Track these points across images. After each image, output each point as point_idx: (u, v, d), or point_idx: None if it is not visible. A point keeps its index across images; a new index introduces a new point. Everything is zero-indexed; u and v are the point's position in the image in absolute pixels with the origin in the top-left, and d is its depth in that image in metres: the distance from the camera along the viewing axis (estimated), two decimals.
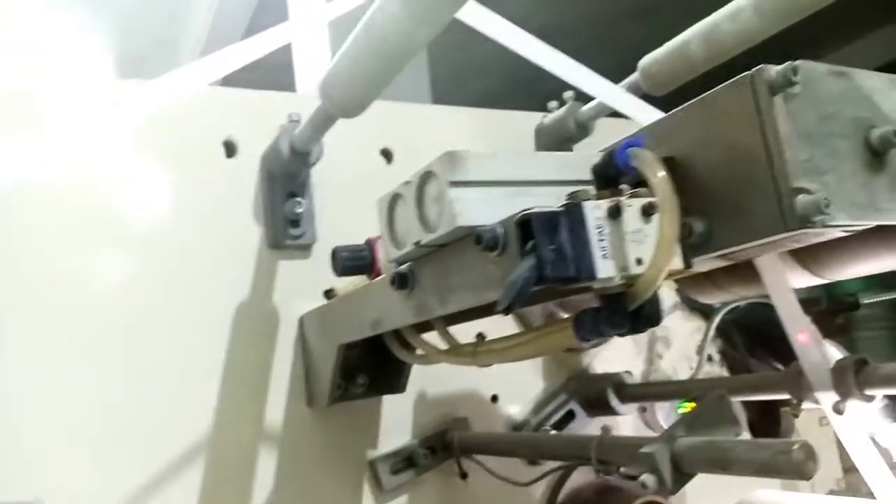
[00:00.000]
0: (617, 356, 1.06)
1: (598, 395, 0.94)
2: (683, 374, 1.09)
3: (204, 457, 0.77)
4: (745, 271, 0.70)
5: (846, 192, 0.48)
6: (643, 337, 1.09)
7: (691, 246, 0.53)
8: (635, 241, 0.41)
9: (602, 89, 0.86)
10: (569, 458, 0.65)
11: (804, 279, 0.68)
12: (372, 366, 0.82)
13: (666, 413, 1.00)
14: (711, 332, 1.00)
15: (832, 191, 0.47)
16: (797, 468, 0.45)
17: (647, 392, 0.91)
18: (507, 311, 0.39)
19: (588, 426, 0.98)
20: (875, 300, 1.16)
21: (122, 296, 0.77)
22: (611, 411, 0.94)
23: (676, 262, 0.43)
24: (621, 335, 0.43)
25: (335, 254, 0.73)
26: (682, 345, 1.10)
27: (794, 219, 0.46)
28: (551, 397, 0.97)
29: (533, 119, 1.09)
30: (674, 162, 0.55)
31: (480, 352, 0.56)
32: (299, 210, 0.83)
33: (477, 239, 0.44)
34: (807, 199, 0.46)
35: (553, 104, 1.07)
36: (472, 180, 0.46)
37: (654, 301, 0.42)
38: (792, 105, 0.48)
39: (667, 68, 0.85)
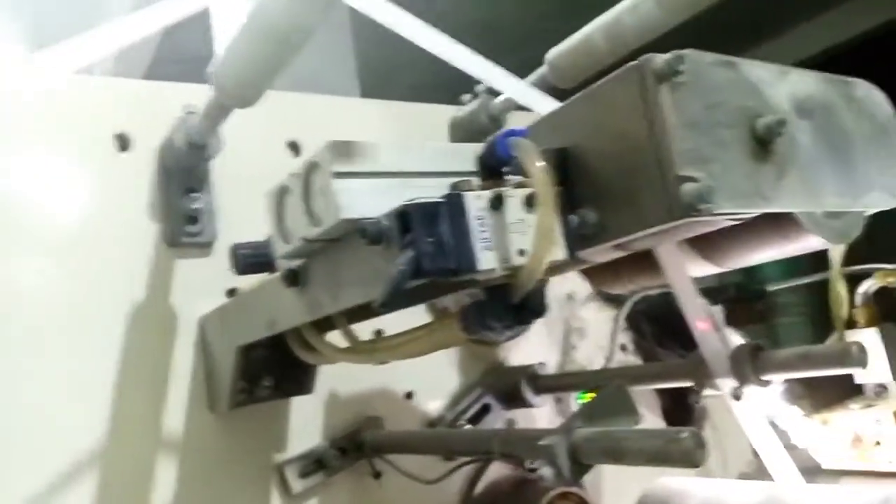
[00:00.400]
0: (533, 348, 1.07)
1: (512, 387, 0.94)
2: (599, 364, 1.10)
3: (98, 466, 0.73)
4: (647, 261, 0.71)
5: (731, 181, 0.48)
6: (558, 328, 1.10)
7: (583, 237, 0.53)
8: (518, 232, 0.40)
9: (506, 83, 0.86)
10: (474, 453, 0.64)
11: (704, 268, 0.69)
12: (278, 367, 0.79)
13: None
14: (621, 323, 1.01)
15: (717, 179, 0.47)
16: (687, 456, 0.46)
17: (560, 383, 0.91)
18: (384, 308, 0.38)
19: (505, 419, 0.98)
20: (783, 287, 1.20)
21: (6, 297, 0.72)
22: (526, 403, 0.94)
23: (558, 253, 0.43)
24: (508, 328, 0.42)
25: (234, 251, 0.70)
26: (597, 335, 1.11)
27: (680, 207, 0.46)
28: (467, 392, 0.96)
29: (448, 112, 1.08)
30: (567, 153, 0.55)
31: (378, 349, 0.54)
32: (197, 206, 0.80)
33: (362, 232, 0.43)
34: (692, 188, 0.46)
35: (467, 97, 1.06)
36: (359, 171, 0.45)
37: (539, 292, 0.41)
38: (678, 94, 0.48)
39: (572, 62, 0.85)
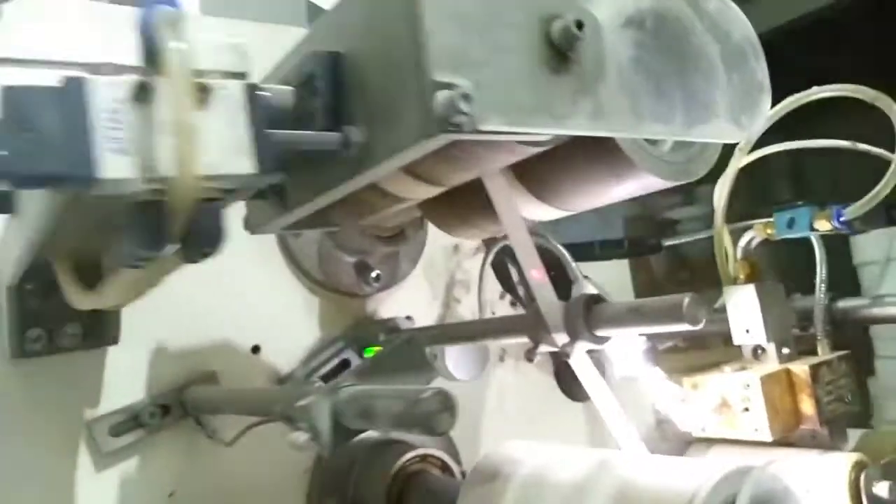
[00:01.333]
0: (411, 301, 0.99)
1: (372, 342, 0.86)
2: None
3: None
4: (487, 204, 0.63)
5: (506, 92, 0.40)
6: (441, 281, 1.02)
7: (351, 159, 0.44)
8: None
9: None
10: (264, 414, 0.56)
11: (542, 212, 0.61)
12: (85, 314, 0.70)
13: (454, 360, 0.94)
14: (486, 273, 0.94)
15: (486, 88, 0.39)
16: (428, 421, 0.38)
17: (419, 337, 0.83)
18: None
19: None
20: (677, 242, 1.13)
21: None
22: None
23: (245, 165, 0.34)
24: (190, 260, 0.33)
25: None
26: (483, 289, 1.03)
27: (433, 120, 0.38)
28: (324, 346, 0.88)
29: None
30: (341, 59, 0.46)
31: (104, 291, 0.46)
32: None
33: None
34: (447, 96, 0.37)
35: None
36: (16, 58, 0.35)
37: (212, 215, 0.32)
38: None
39: None
